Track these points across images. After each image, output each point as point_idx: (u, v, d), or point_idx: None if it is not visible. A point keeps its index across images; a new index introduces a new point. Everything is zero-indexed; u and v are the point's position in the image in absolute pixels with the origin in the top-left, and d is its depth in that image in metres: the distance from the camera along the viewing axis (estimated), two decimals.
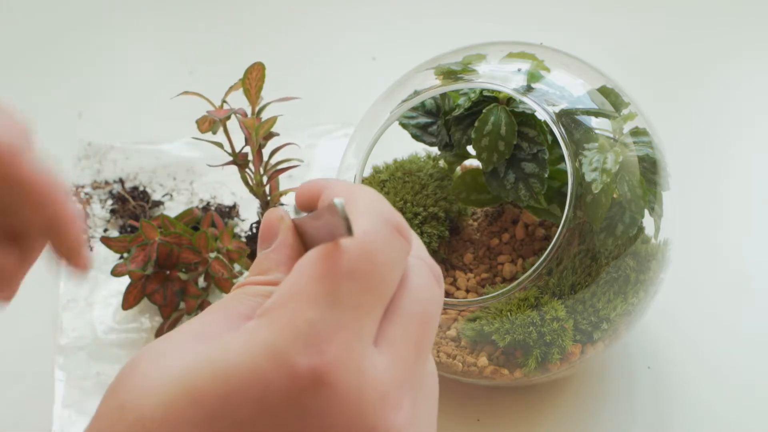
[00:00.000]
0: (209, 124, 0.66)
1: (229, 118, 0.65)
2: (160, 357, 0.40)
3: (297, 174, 0.88)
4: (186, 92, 0.67)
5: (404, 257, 0.42)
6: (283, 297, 0.39)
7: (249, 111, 0.66)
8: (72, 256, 0.52)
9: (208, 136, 0.67)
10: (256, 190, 0.67)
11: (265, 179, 0.68)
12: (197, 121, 0.65)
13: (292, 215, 0.50)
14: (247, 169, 0.68)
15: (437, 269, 0.44)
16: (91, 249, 0.82)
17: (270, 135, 0.66)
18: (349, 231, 0.39)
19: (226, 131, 0.66)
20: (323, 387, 0.37)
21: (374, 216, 0.41)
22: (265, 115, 0.68)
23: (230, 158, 0.68)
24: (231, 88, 0.67)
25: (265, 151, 0.69)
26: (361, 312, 0.39)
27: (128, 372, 0.40)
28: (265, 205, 0.68)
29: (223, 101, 0.65)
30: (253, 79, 0.65)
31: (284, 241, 0.46)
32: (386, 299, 0.41)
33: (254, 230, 0.74)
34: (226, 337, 0.39)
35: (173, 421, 0.37)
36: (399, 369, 0.40)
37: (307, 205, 0.48)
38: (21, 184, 0.49)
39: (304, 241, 0.47)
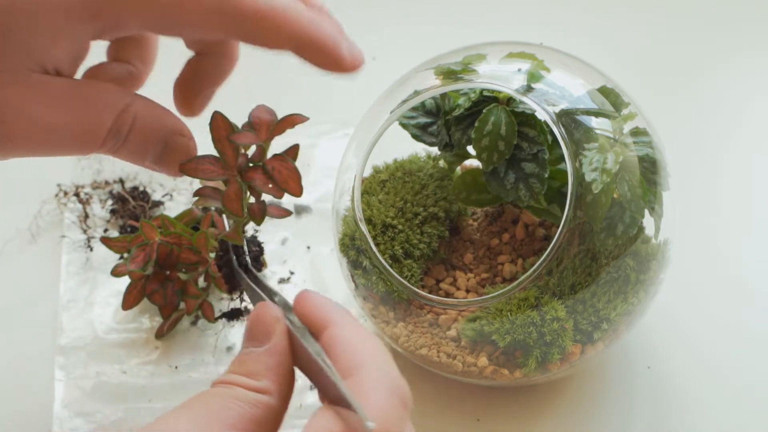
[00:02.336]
0: None
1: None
2: None
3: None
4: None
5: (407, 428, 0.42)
6: None
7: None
8: (332, 54, 0.51)
9: None
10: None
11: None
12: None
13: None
14: None
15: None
16: (91, 249, 0.82)
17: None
18: None
19: None
20: None
21: (390, 391, 0.41)
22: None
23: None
24: None
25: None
26: None
27: None
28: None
29: None
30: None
31: (277, 346, 0.45)
32: None
33: (222, 252, 0.62)
34: None
35: None
36: None
37: (307, 321, 0.47)
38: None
39: (294, 354, 0.46)
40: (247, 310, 0.78)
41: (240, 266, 0.59)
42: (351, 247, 0.69)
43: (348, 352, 0.44)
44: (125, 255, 0.77)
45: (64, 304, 0.79)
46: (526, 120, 0.66)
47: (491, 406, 0.72)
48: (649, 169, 0.66)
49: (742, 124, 0.94)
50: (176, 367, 0.75)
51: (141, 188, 0.86)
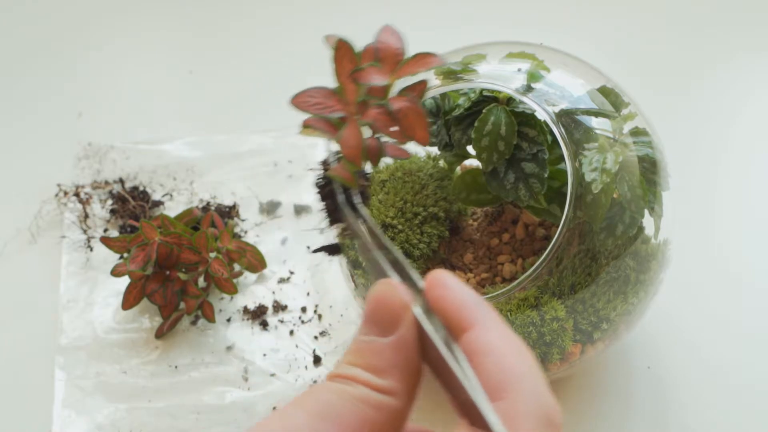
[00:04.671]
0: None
1: None
2: None
3: (297, 174, 0.88)
4: None
5: None
6: None
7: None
8: None
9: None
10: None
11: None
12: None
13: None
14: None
15: None
16: (91, 249, 0.82)
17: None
18: None
19: None
20: None
21: (544, 421, 0.35)
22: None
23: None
24: None
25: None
26: None
27: None
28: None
29: None
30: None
31: (405, 340, 0.39)
32: None
33: (324, 181, 0.52)
34: None
35: None
36: None
37: (443, 313, 0.39)
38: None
39: (423, 350, 0.39)
40: (348, 248, 0.69)
41: (347, 202, 0.51)
42: (351, 247, 0.69)
43: (497, 366, 0.37)
44: (125, 255, 0.77)
45: (64, 304, 0.79)
46: (526, 120, 0.66)
47: None
48: (649, 169, 0.66)
49: (742, 125, 0.93)
50: (176, 367, 0.75)
51: (141, 188, 0.86)
